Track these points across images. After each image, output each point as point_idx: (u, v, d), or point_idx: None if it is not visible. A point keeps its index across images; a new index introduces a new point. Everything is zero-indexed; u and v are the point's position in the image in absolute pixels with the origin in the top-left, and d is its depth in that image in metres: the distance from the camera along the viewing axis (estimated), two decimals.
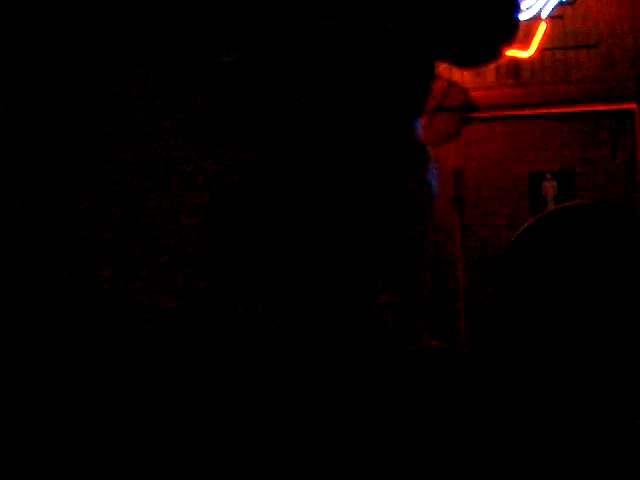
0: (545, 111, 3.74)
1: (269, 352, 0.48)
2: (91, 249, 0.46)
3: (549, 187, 3.74)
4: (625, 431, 1.16)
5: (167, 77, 0.46)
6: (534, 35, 3.64)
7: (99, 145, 0.46)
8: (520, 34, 0.52)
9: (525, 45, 3.64)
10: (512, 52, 3.53)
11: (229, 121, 0.46)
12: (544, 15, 3.66)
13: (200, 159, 0.45)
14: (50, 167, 0.47)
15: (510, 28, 0.51)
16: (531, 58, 3.68)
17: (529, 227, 1.39)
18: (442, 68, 0.52)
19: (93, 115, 0.47)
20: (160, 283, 0.45)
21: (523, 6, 3.62)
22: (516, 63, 3.71)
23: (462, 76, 3.45)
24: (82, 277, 0.46)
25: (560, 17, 3.69)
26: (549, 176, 3.76)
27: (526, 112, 3.73)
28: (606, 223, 1.30)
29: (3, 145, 0.47)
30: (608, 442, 1.16)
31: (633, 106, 3.76)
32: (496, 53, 0.52)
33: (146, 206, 0.44)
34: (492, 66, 3.49)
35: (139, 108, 0.46)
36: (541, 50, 3.68)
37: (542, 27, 3.65)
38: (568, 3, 3.65)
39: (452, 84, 3.30)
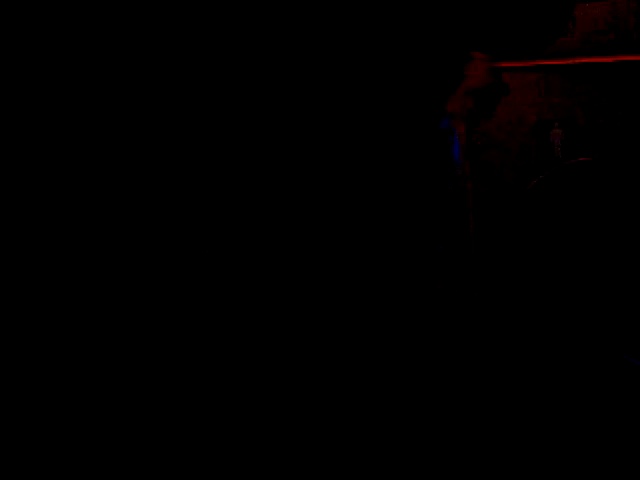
0: (554, 62, 3.94)
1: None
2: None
3: (555, 134, 3.97)
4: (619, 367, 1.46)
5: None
6: None
7: None
8: None
9: None
10: None
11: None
12: None
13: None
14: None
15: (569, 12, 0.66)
16: None
17: (539, 183, 1.65)
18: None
19: None
20: None
21: None
22: None
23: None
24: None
25: None
26: (556, 124, 3.99)
27: (536, 63, 3.93)
28: (621, 187, 1.51)
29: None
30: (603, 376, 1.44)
31: (639, 58, 3.94)
32: (552, 36, 0.67)
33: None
34: None
35: None
36: None
37: None
38: None
39: (479, 62, 3.51)
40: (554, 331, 1.39)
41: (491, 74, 3.71)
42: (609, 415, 1.23)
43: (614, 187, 1.30)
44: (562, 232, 1.42)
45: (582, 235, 1.42)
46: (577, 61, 3.94)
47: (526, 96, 3.96)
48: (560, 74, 3.99)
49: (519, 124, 3.96)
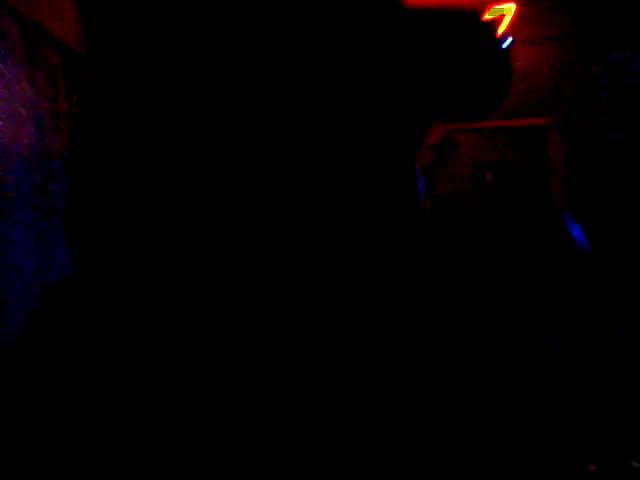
0: (487, 125, 5.41)
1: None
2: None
3: (488, 175, 5.55)
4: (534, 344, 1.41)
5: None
6: None
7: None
8: None
9: None
10: None
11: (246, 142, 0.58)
12: None
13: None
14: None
15: (504, 94, 0.67)
16: None
17: (473, 214, 1.75)
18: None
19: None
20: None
21: None
22: None
23: None
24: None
25: None
26: (489, 168, 5.56)
27: (476, 126, 5.40)
28: (530, 211, 1.65)
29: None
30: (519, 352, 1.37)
31: (545, 121, 5.53)
32: (494, 110, 0.67)
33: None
34: None
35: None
36: None
37: None
38: None
39: (446, 131, 5.14)
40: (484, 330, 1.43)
41: (446, 135, 5.25)
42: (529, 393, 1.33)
43: (528, 212, 1.62)
44: (490, 250, 1.62)
45: (504, 250, 1.60)
46: (505, 123, 5.41)
47: (469, 148, 5.45)
48: (494, 132, 5.45)
49: (463, 168, 5.51)
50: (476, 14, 0.64)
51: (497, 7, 4.82)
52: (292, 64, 0.55)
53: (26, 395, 0.56)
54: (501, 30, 4.92)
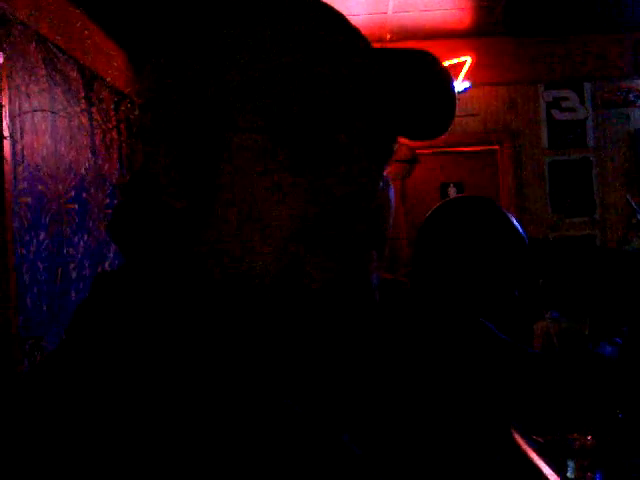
0: (450, 149, 6.52)
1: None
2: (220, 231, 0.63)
3: (451, 190, 6.71)
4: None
5: (269, 135, 0.63)
6: None
7: (228, 170, 0.64)
8: None
9: None
10: None
11: (303, 160, 0.63)
12: None
13: (288, 185, 0.62)
14: (197, 181, 0.66)
15: (449, 120, 0.72)
16: None
17: (435, 209, 1.91)
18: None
19: (220, 152, 0.64)
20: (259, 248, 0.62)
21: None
22: None
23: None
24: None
25: (458, 99, 6.29)
26: (451, 184, 6.72)
27: (441, 150, 6.48)
28: (480, 207, 1.83)
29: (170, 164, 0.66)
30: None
31: (497, 147, 6.55)
32: (441, 132, 0.73)
33: (257, 209, 0.62)
34: None
35: (252, 153, 0.63)
36: None
37: None
38: (461, 92, 6.19)
39: (404, 145, 6.16)
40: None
41: (409, 151, 6.26)
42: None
43: (475, 212, 1.85)
44: (447, 241, 1.77)
45: (458, 242, 1.74)
46: (465, 149, 6.50)
47: (437, 168, 6.53)
48: (457, 156, 6.54)
49: (430, 184, 6.62)
50: (429, 53, 0.69)
51: (459, 58, 5.98)
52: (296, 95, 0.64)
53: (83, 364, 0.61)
54: (461, 76, 6.09)
